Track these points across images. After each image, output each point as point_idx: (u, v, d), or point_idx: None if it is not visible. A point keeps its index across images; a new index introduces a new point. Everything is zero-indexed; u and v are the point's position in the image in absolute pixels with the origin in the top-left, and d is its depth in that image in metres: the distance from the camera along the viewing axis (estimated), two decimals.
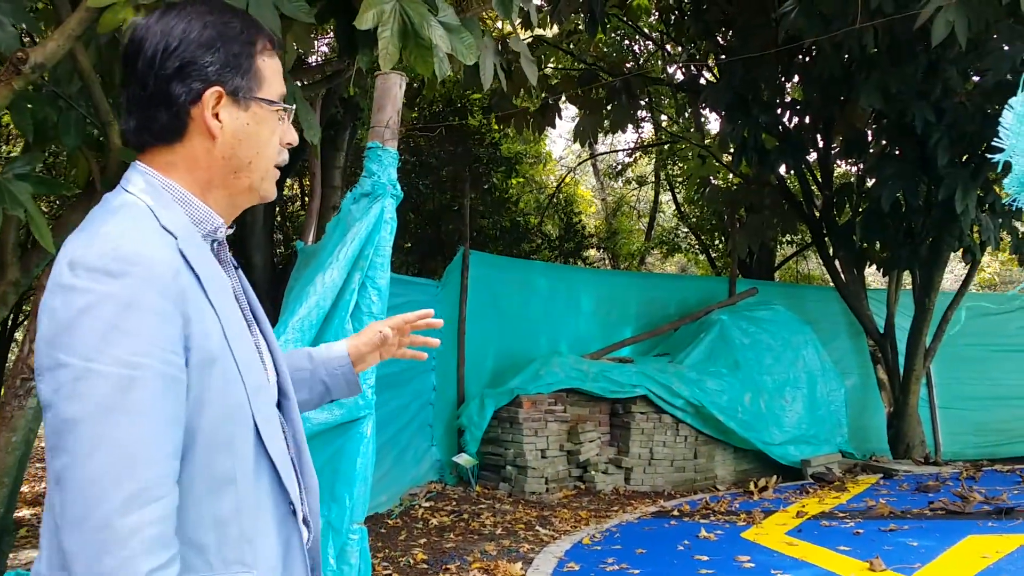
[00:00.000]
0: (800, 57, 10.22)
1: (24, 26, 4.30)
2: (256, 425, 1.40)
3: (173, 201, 1.45)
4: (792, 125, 10.51)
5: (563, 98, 11.60)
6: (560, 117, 11.56)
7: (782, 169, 10.78)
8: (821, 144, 10.93)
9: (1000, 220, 9.89)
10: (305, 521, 1.56)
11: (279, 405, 1.59)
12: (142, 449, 1.23)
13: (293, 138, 1.61)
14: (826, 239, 10.92)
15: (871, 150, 10.54)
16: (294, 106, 1.64)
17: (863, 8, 6.35)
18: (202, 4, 1.51)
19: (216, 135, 1.46)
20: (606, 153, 19.48)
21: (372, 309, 2.82)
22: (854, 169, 13.30)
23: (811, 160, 10.98)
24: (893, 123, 9.30)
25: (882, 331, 10.76)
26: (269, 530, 1.43)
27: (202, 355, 1.33)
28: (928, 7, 5.71)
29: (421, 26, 3.46)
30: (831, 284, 11.36)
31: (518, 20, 4.68)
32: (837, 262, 10.83)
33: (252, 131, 1.50)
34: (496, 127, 12.93)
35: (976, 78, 9.39)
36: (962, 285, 11.00)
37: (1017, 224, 10.41)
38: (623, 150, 18.68)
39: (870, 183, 11.61)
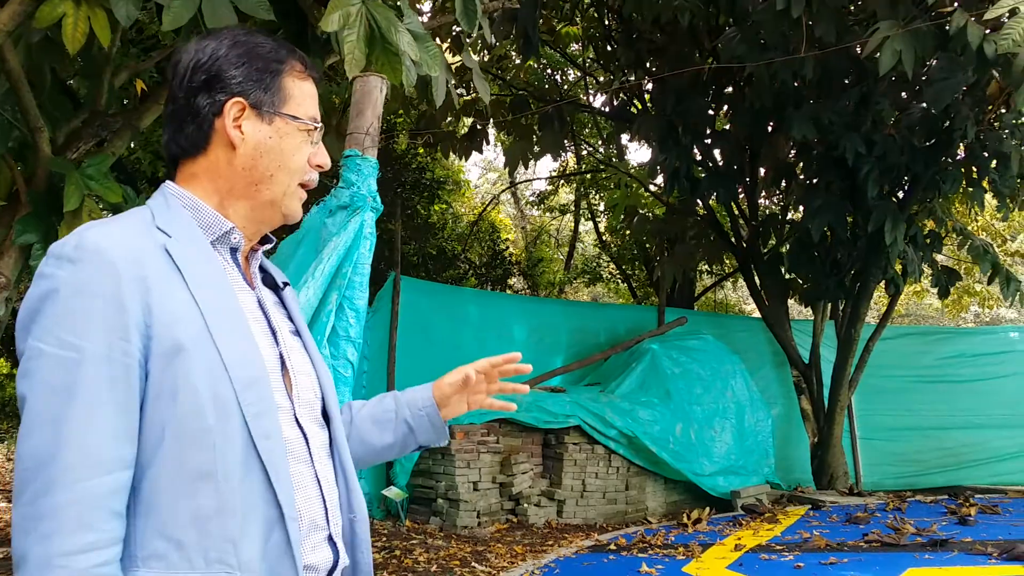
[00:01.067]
0: (730, 88, 10.28)
1: None
2: (245, 420, 1.37)
3: (181, 207, 1.51)
4: (721, 155, 10.54)
5: (490, 123, 11.47)
6: (488, 142, 11.43)
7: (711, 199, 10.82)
8: (748, 175, 11.00)
9: (922, 253, 10.06)
10: (333, 542, 1.53)
11: (327, 426, 1.61)
12: (74, 430, 1.25)
13: (324, 160, 1.64)
14: (752, 269, 10.97)
15: (794, 182, 10.63)
16: (320, 126, 1.64)
17: (807, 37, 6.35)
18: (240, 29, 1.60)
19: (237, 145, 1.52)
20: (527, 181, 19.43)
21: (349, 332, 2.58)
22: (771, 200, 13.49)
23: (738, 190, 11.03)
24: (822, 155, 9.39)
25: (807, 361, 10.83)
26: (255, 533, 1.37)
27: (167, 344, 1.33)
28: (875, 36, 5.72)
29: (388, 31, 3.23)
30: (747, 313, 11.41)
31: (474, 35, 4.47)
32: (763, 292, 10.87)
33: (274, 144, 1.54)
34: (422, 151, 12.71)
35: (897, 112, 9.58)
36: (883, 316, 11.15)
37: (937, 256, 10.62)
38: (544, 178, 18.64)
39: (792, 214, 11.78)
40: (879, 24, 5.85)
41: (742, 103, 9.59)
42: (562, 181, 17.79)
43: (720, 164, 10.39)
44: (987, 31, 5.65)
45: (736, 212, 11.07)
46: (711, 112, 10.39)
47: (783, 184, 10.55)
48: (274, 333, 1.54)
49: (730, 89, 10.46)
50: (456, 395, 1.86)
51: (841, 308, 10.81)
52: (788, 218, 11.37)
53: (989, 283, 10.41)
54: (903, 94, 9.00)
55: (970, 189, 9.62)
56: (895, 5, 6.34)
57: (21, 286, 3.95)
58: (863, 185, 8.85)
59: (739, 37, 7.39)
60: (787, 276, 10.82)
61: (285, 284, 1.69)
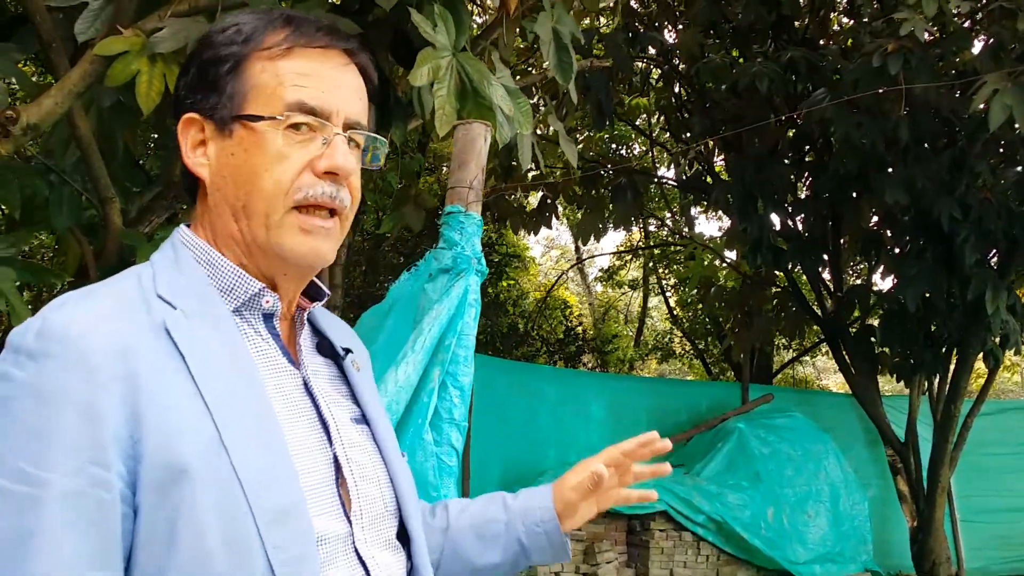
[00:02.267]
0: (810, 154, 9.94)
1: (13, 80, 3.78)
2: (272, 570, 0.97)
3: (195, 262, 1.16)
4: (803, 224, 10.15)
5: (559, 197, 11.24)
6: (557, 217, 11.18)
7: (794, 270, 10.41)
8: (831, 243, 10.57)
9: (1021, 322, 9.48)
10: None
11: (402, 545, 1.22)
12: None
13: (336, 163, 1.15)
14: (839, 342, 10.46)
15: (883, 250, 10.17)
16: (325, 124, 1.17)
17: (905, 97, 6.02)
18: (229, 18, 1.22)
19: (202, 176, 1.18)
20: (594, 256, 19.17)
21: (454, 414, 2.24)
22: (853, 270, 13.02)
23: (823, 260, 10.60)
24: (914, 221, 8.95)
25: (902, 439, 10.22)
26: None
27: (164, 465, 0.96)
28: (983, 90, 5.36)
29: (481, 84, 2.97)
30: (825, 388, 10.87)
31: (569, 90, 4.20)
32: (852, 366, 10.34)
33: (239, 162, 1.14)
34: (491, 227, 12.52)
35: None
36: (982, 390, 10.50)
37: None
38: (612, 253, 18.35)
39: (877, 284, 11.28)
40: (985, 77, 5.49)
41: (824, 169, 9.21)
42: (630, 256, 17.49)
43: (803, 233, 9.99)
44: None
45: (820, 283, 10.62)
46: (792, 179, 10.04)
47: (875, 253, 10.05)
48: (326, 426, 1.16)
49: (810, 156, 10.11)
50: (584, 500, 1.48)
51: (935, 382, 10.23)
52: (875, 288, 10.87)
53: None
54: (990, 160, 8.54)
55: None
56: (997, 59, 5.99)
57: None
58: (959, 252, 8.37)
59: (827, 98, 7.06)
60: (877, 350, 10.27)
61: (347, 352, 1.28)
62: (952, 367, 9.88)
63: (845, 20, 9.13)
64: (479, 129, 2.39)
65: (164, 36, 2.66)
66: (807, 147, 10.03)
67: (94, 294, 1.06)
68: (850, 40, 8.82)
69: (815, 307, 10.68)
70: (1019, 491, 10.94)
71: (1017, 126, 6.85)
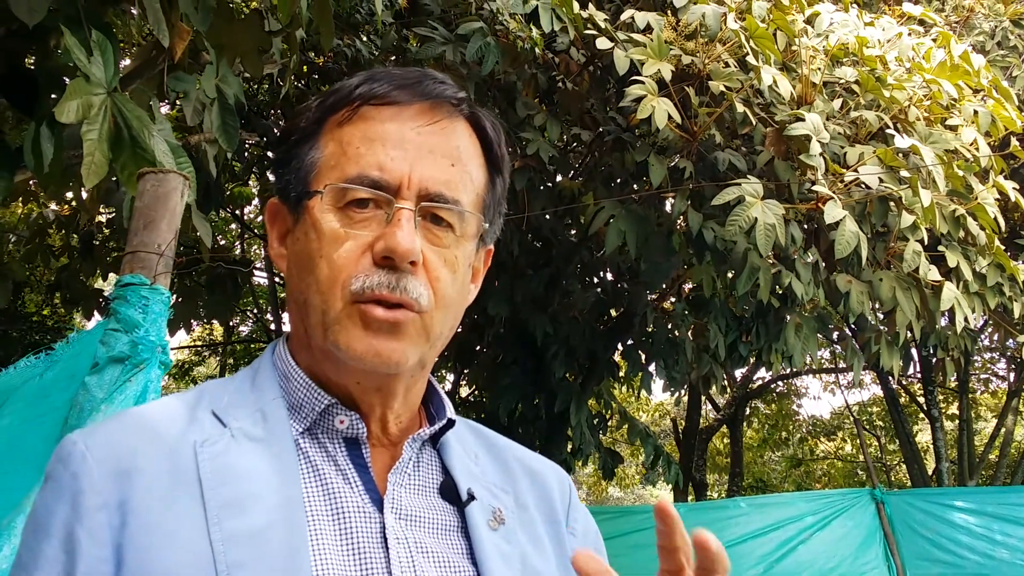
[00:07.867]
0: None
1: None
2: None
3: (272, 375, 0.99)
4: None
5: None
6: None
7: None
8: None
9: (592, 434, 10.18)
10: None
11: None
12: None
13: (387, 245, 0.93)
14: None
15: (476, 360, 10.52)
16: (388, 198, 0.97)
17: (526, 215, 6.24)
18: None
19: (282, 271, 1.03)
20: (176, 348, 17.92)
21: None
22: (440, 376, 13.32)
23: None
24: (511, 333, 9.34)
25: None
26: None
27: None
28: (601, 215, 5.66)
29: (141, 133, 2.47)
30: None
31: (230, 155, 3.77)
32: None
33: (300, 248, 0.97)
34: (63, 311, 11.18)
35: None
36: None
37: (603, 438, 10.81)
38: (189, 347, 17.29)
39: (465, 392, 11.63)
40: (603, 203, 5.83)
41: None
42: (209, 352, 16.61)
43: None
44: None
45: None
46: None
47: (464, 361, 10.37)
48: None
49: None
50: None
51: None
52: (464, 396, 11.18)
53: (653, 466, 10.71)
54: (585, 280, 9.21)
55: (639, 374, 9.94)
56: (608, 186, 6.44)
57: None
58: (549, 366, 8.83)
59: None
60: None
61: (471, 497, 0.99)
62: None
63: None
64: (175, 182, 1.83)
65: None
66: None
67: (148, 405, 0.95)
68: None
69: None
70: None
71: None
